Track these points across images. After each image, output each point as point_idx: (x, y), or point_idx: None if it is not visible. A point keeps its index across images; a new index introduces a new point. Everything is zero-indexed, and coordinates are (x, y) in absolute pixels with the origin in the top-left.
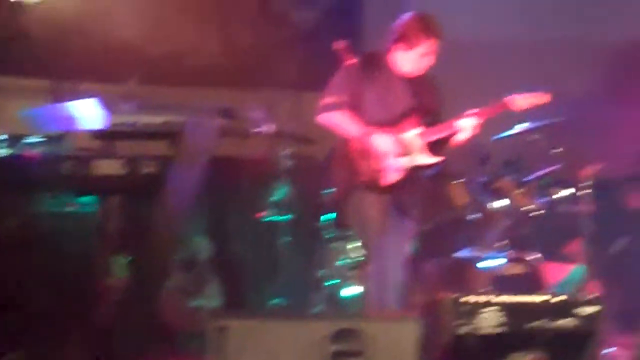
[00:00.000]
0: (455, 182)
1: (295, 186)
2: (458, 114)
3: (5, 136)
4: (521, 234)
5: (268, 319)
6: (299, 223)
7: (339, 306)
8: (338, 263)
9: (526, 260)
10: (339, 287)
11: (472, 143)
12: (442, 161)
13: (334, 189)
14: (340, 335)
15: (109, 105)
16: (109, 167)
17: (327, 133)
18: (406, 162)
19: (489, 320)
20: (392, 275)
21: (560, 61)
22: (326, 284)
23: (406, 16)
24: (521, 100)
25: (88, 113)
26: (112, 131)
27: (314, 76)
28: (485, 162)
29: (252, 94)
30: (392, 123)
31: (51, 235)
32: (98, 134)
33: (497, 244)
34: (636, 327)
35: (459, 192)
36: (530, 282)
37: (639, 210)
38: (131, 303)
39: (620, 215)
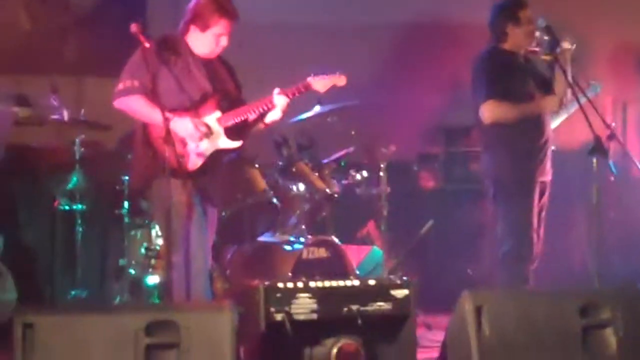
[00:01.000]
0: (253, 166)
1: (88, 174)
2: (257, 97)
3: None
4: (320, 217)
5: (77, 313)
6: (94, 212)
7: (142, 295)
8: (139, 251)
9: (327, 244)
10: (141, 276)
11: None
12: (242, 145)
13: (133, 176)
14: (154, 328)
15: None
16: None
17: (115, 119)
18: (207, 146)
19: (303, 307)
20: (197, 263)
21: (351, 44)
22: (128, 273)
23: None
24: (320, 82)
25: None
26: None
27: (95, 61)
28: (282, 146)
29: (32, 80)
30: (191, 107)
31: None
32: None
33: (297, 228)
34: (448, 308)
35: (257, 177)
36: (334, 265)
37: (429, 190)
38: None
39: (413, 196)
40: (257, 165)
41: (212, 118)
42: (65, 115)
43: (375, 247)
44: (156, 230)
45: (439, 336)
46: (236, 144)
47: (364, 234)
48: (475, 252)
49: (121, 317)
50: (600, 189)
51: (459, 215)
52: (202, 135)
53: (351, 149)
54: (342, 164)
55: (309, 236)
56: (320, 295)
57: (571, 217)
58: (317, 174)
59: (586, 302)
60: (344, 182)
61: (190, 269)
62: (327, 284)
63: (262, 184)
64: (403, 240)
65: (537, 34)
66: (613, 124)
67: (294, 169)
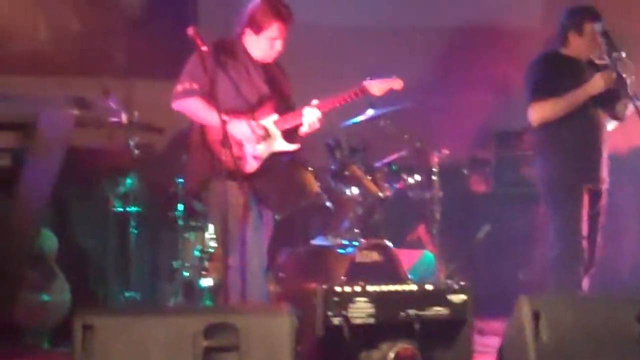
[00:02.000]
0: (307, 169)
1: (142, 176)
2: (306, 101)
3: None
4: (372, 221)
5: (136, 315)
6: (147, 214)
7: (196, 298)
8: (193, 254)
9: (381, 247)
10: (194, 278)
11: (322, 130)
12: (299, 148)
13: (189, 178)
14: (213, 330)
15: None
16: None
17: (166, 121)
18: (264, 149)
19: (361, 311)
20: (254, 265)
21: (403, 47)
22: (181, 275)
23: (255, 0)
24: (376, 85)
25: None
26: None
27: (145, 63)
28: (335, 149)
29: (82, 82)
30: (247, 110)
31: None
32: None
33: (350, 232)
34: (504, 313)
35: (311, 180)
36: (387, 269)
37: (480, 194)
38: None
39: (463, 200)
40: (310, 169)
41: (269, 121)
42: (124, 117)
43: (427, 252)
44: (210, 233)
45: (491, 341)
46: (293, 146)
47: (414, 238)
48: (527, 257)
49: (180, 319)
50: None
51: (510, 220)
52: (259, 138)
53: (403, 152)
54: (394, 167)
55: (362, 240)
56: (377, 299)
57: (623, 223)
58: (369, 177)
59: None
60: (397, 185)
61: (246, 271)
62: (384, 288)
63: (315, 187)
64: (454, 244)
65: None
66: None
67: (347, 173)
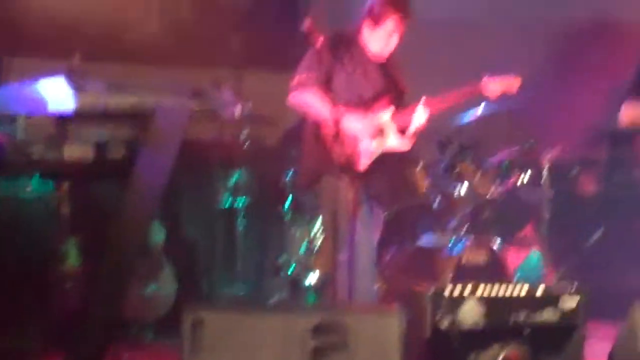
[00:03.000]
0: (416, 166)
1: (251, 169)
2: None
3: None
4: (481, 219)
5: (246, 311)
6: (255, 207)
7: (301, 294)
8: (299, 249)
9: (489, 247)
10: (300, 274)
11: (431, 127)
12: (413, 145)
13: (302, 171)
14: (322, 329)
15: (75, 84)
16: (78, 151)
17: (275, 113)
18: (378, 145)
19: (470, 314)
20: (363, 263)
21: (514, 43)
22: (287, 270)
23: None
24: (494, 85)
25: (54, 93)
26: (81, 113)
27: (256, 54)
28: (446, 146)
29: (193, 73)
30: (363, 105)
31: (7, 220)
32: (65, 117)
33: (457, 230)
34: (612, 318)
35: (421, 177)
36: (493, 270)
37: (590, 195)
38: (94, 290)
39: (572, 200)
40: (420, 165)
41: (385, 117)
42: (239, 110)
43: (535, 251)
44: (317, 228)
45: (597, 347)
46: (407, 143)
47: (522, 237)
48: (636, 261)
49: (289, 317)
50: None
51: (621, 222)
52: (374, 134)
53: (514, 150)
54: (505, 165)
55: (469, 239)
56: (487, 302)
57: None
58: (480, 175)
59: None
60: (509, 183)
61: (355, 268)
62: (494, 291)
63: (424, 185)
64: (562, 245)
65: None
66: None
67: (457, 170)
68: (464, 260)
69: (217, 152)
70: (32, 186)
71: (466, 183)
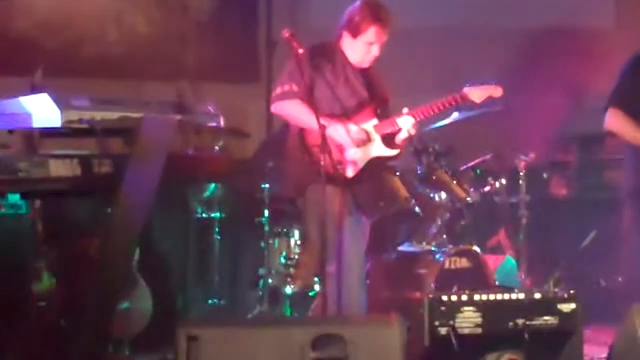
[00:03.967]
0: (395, 174)
1: (226, 182)
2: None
3: None
4: (459, 226)
5: (242, 326)
6: (231, 220)
7: (281, 306)
8: (279, 261)
9: (470, 254)
10: (280, 285)
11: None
12: (400, 154)
13: (286, 183)
14: (321, 342)
15: (60, 100)
16: (63, 167)
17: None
18: (364, 154)
19: (468, 321)
20: (353, 274)
21: (485, 50)
22: (267, 282)
23: (356, 3)
24: (476, 92)
25: (39, 109)
26: (67, 129)
27: (214, 67)
28: (422, 154)
29: (152, 86)
30: (345, 114)
31: None
32: (50, 132)
33: (438, 238)
34: (611, 322)
35: (399, 185)
36: (476, 276)
37: (562, 198)
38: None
39: (544, 204)
40: (398, 173)
41: (369, 126)
42: (222, 122)
43: (509, 257)
44: (295, 239)
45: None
46: (393, 152)
47: (494, 243)
48: (610, 264)
49: (287, 330)
50: None
51: (593, 225)
52: (360, 143)
53: (488, 156)
54: (478, 171)
55: (450, 246)
56: (485, 308)
57: None
58: (455, 181)
59: None
60: (484, 190)
61: (344, 280)
62: (492, 297)
63: (404, 192)
64: (536, 249)
65: None
66: None
67: (434, 177)
68: (446, 267)
69: (192, 165)
70: (5, 204)
71: (443, 190)
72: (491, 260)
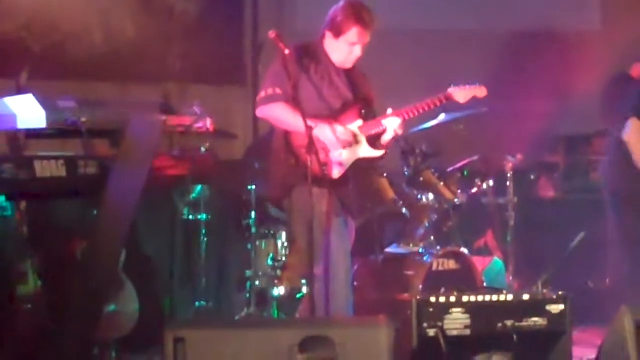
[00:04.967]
0: (382, 175)
1: (213, 184)
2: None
3: None
4: (446, 228)
5: (229, 328)
6: (217, 222)
7: (268, 308)
8: (266, 263)
9: (457, 255)
10: (267, 287)
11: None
12: (385, 154)
13: (271, 184)
14: (309, 343)
15: (45, 101)
16: (48, 168)
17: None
18: (349, 155)
19: (456, 322)
20: (340, 276)
21: (472, 51)
22: (254, 284)
23: (339, 3)
24: (461, 92)
25: (24, 110)
26: (52, 129)
27: (199, 68)
28: (409, 155)
29: (138, 87)
30: (331, 115)
31: None
32: (35, 133)
33: (425, 239)
34: (600, 323)
35: (386, 186)
36: (464, 277)
37: (549, 199)
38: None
39: (531, 205)
40: (385, 175)
41: (354, 126)
42: (209, 123)
43: (496, 258)
44: (282, 241)
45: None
46: (378, 153)
47: (482, 245)
48: (597, 265)
49: (275, 332)
50: None
51: (581, 226)
52: (346, 144)
53: (475, 157)
54: (465, 172)
55: (438, 247)
56: (473, 310)
57: None
58: (442, 183)
59: None
60: (472, 191)
61: (331, 281)
62: (480, 298)
63: (391, 193)
64: (522, 250)
65: None
66: None
67: (421, 179)
68: (434, 268)
69: (178, 166)
70: None
71: (431, 191)
72: (479, 262)
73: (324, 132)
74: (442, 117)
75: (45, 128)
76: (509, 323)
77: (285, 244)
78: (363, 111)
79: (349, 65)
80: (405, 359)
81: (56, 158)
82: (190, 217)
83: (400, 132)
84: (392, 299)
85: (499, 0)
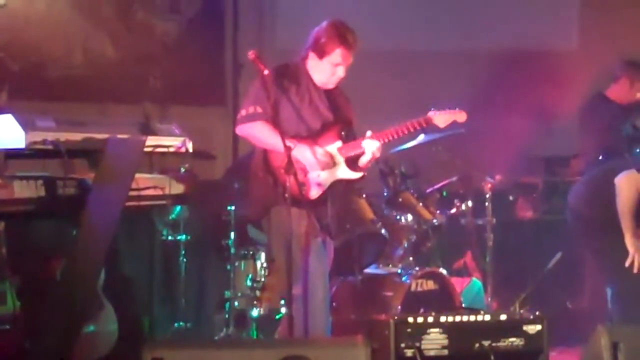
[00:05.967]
0: (361, 196)
1: (192, 204)
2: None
3: None
4: (425, 248)
5: (208, 348)
6: (197, 242)
7: (248, 328)
8: (245, 283)
9: (436, 276)
10: (246, 308)
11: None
12: (363, 176)
13: (250, 204)
14: None
15: (24, 121)
16: (27, 188)
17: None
18: (327, 176)
19: (434, 342)
20: (318, 296)
21: (450, 72)
22: (233, 305)
23: (323, 23)
24: (441, 117)
25: (3, 131)
26: (31, 150)
27: (180, 89)
28: (388, 176)
29: (118, 107)
30: (310, 136)
31: None
32: (14, 153)
33: (404, 259)
34: (577, 343)
35: (365, 207)
36: (442, 298)
37: (527, 220)
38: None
39: (510, 226)
40: (364, 196)
41: (333, 147)
42: (188, 144)
43: (475, 279)
44: (261, 262)
45: None
46: (357, 174)
47: (460, 265)
48: (575, 285)
49: (253, 352)
50: None
51: (559, 247)
52: (324, 165)
53: (454, 178)
54: (444, 193)
55: (416, 268)
56: (451, 330)
57: None
58: (421, 203)
59: None
60: (450, 212)
61: (309, 301)
62: (457, 318)
63: (370, 214)
64: (501, 271)
65: None
66: None
67: (400, 199)
68: (412, 289)
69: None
70: None
71: (410, 212)
72: (457, 282)
73: (302, 153)
74: (422, 137)
75: (24, 148)
76: (486, 343)
77: (265, 265)
78: (343, 132)
79: (331, 85)
80: None
81: (35, 178)
82: (170, 237)
83: (378, 155)
84: (371, 319)
85: (478, 22)
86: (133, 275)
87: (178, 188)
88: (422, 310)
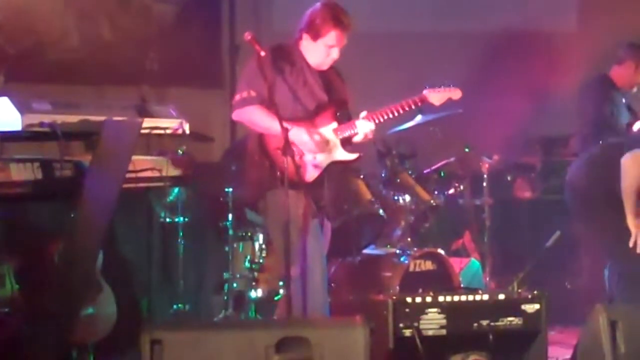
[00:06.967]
0: (358, 177)
1: (190, 186)
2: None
3: None
4: (423, 229)
5: (206, 329)
6: (195, 224)
7: (246, 310)
8: (243, 265)
9: (434, 256)
10: (244, 289)
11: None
12: (359, 157)
13: (246, 187)
14: (285, 344)
15: (20, 104)
16: (24, 171)
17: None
18: (324, 158)
19: (432, 322)
20: (316, 277)
21: (448, 52)
22: (232, 286)
23: (316, 5)
24: (436, 95)
25: None
26: (28, 132)
27: (177, 71)
28: (385, 156)
29: (115, 90)
30: (305, 117)
31: None
32: (11, 136)
33: (402, 240)
34: (576, 323)
35: (363, 188)
36: (441, 278)
37: (526, 200)
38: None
39: (508, 206)
40: (362, 176)
41: (329, 129)
42: (185, 126)
43: (473, 259)
44: (260, 243)
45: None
46: (353, 155)
47: (459, 246)
48: (574, 265)
49: (251, 333)
50: None
51: (557, 227)
52: (320, 146)
53: (452, 158)
54: (442, 174)
55: (415, 248)
56: (449, 310)
57: None
58: (419, 184)
59: None
60: (448, 192)
61: (307, 282)
62: (456, 298)
63: (368, 195)
64: (500, 251)
65: None
66: None
67: (398, 180)
68: (411, 269)
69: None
70: None
71: (408, 193)
72: (456, 263)
73: (298, 135)
74: (419, 118)
75: (20, 131)
76: (484, 323)
77: (263, 246)
78: (337, 113)
79: (325, 67)
80: (382, 359)
81: (32, 161)
82: (168, 219)
83: (370, 136)
84: (369, 299)
85: (475, 2)
86: (131, 257)
87: (175, 170)
88: (420, 291)
